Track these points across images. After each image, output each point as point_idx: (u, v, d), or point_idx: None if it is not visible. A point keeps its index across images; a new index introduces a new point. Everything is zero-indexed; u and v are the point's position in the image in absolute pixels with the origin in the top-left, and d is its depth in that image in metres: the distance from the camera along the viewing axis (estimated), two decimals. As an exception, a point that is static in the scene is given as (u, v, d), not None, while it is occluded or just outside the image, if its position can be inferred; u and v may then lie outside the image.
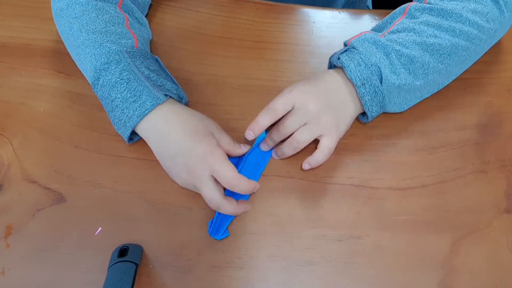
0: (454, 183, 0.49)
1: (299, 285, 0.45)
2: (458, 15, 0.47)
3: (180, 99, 0.49)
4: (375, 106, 0.47)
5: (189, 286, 0.44)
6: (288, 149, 0.48)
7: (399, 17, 0.51)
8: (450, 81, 0.51)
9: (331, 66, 0.52)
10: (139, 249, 0.45)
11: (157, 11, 0.60)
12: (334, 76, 0.49)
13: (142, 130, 0.46)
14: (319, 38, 0.59)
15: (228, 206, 0.43)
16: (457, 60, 0.48)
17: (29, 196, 0.48)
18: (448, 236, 0.47)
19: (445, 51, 0.47)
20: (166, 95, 0.46)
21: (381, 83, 0.46)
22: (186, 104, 0.51)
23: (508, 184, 0.49)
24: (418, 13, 0.49)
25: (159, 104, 0.45)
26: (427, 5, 0.49)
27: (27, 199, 0.48)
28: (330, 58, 0.51)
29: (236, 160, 0.50)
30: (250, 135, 0.47)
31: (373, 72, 0.46)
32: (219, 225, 0.46)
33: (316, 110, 0.46)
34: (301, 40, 0.59)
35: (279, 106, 0.47)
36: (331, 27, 0.60)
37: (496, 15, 0.48)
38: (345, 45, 0.51)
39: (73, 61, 0.53)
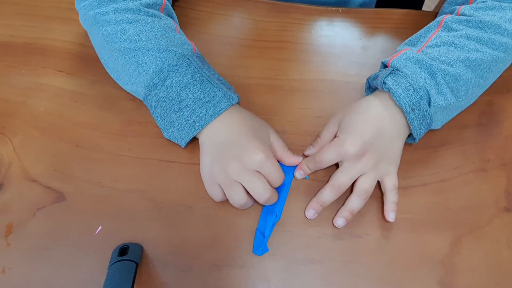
0: (454, 182, 0.49)
1: (300, 284, 0.45)
2: (497, 26, 0.46)
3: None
4: (423, 129, 0.46)
5: (190, 284, 0.44)
6: (357, 201, 0.46)
7: (434, 30, 0.50)
8: (485, 90, 0.51)
9: (369, 85, 0.51)
10: (139, 248, 0.45)
11: (157, 10, 0.60)
12: (379, 107, 0.47)
13: (208, 129, 0.47)
14: (320, 37, 0.59)
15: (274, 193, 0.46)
16: (494, 72, 0.48)
17: (29, 195, 0.48)
18: (448, 234, 0.47)
19: (485, 66, 0.46)
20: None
21: (429, 105, 0.45)
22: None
23: (508, 183, 0.49)
24: (455, 25, 0.48)
25: (232, 105, 0.46)
26: (464, 18, 0.48)
27: (27, 198, 0.48)
28: (370, 80, 0.50)
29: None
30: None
31: (422, 96, 0.45)
32: (258, 240, 0.46)
33: (373, 162, 0.46)
34: (302, 38, 0.59)
35: (328, 160, 0.47)
36: (332, 26, 0.60)
37: None
38: (384, 65, 0.50)
39: (74, 60, 0.53)
